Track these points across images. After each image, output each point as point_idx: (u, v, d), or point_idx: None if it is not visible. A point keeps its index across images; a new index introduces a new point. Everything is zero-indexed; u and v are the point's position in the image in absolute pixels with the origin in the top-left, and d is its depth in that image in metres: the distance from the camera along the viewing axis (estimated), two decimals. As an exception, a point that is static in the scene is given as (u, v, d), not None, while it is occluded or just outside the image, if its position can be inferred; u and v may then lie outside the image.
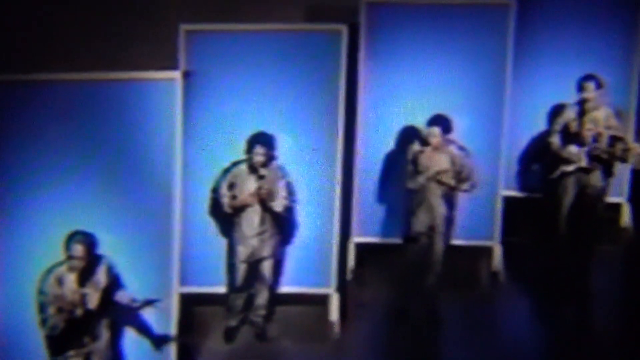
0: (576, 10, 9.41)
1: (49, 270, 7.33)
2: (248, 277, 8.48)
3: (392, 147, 9.11)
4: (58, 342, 7.35)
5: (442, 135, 8.44)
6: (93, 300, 7.33)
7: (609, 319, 8.81)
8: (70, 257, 7.25)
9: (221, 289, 8.66)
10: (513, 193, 9.63)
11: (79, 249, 7.23)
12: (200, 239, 8.58)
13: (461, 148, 8.64)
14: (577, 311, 8.89)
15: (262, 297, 8.57)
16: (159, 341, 7.87)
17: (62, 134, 7.67)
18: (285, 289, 8.77)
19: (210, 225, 8.62)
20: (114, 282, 7.48)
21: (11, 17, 9.44)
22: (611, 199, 9.61)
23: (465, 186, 8.61)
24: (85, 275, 7.33)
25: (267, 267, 8.47)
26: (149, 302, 7.51)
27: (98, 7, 9.55)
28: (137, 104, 7.76)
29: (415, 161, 8.55)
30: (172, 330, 7.91)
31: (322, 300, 8.81)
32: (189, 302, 8.53)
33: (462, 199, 8.97)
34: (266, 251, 8.42)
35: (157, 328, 7.88)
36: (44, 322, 7.29)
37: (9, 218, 7.66)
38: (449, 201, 8.65)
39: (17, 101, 7.62)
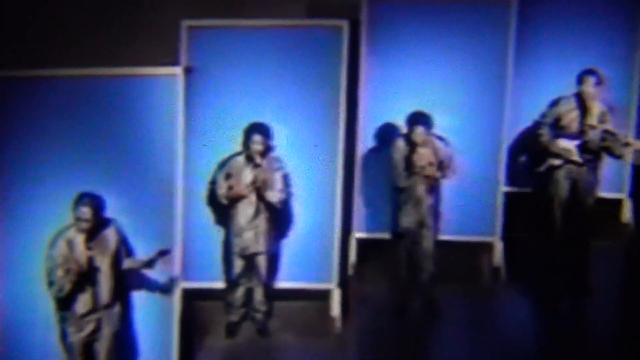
0: (577, 7, 9.39)
1: (58, 234, 7.39)
2: (243, 271, 8.50)
3: (393, 142, 9.10)
4: (67, 302, 7.41)
5: (426, 132, 8.47)
6: (102, 262, 7.38)
7: (610, 314, 8.81)
8: (77, 219, 7.32)
9: (223, 285, 8.67)
10: (514, 189, 9.62)
11: (85, 211, 7.29)
12: (202, 234, 8.59)
13: (440, 138, 8.67)
14: (577, 307, 8.90)
15: (259, 293, 8.59)
16: (166, 288, 7.89)
17: (64, 129, 7.68)
18: (286, 284, 8.78)
19: (212, 220, 8.64)
20: (123, 244, 7.55)
21: (13, 13, 9.43)
22: (612, 194, 9.63)
23: (447, 174, 8.64)
24: (94, 237, 7.39)
25: (261, 262, 8.48)
26: (162, 253, 7.56)
27: (99, 3, 9.54)
28: (139, 100, 7.77)
29: (407, 161, 8.55)
30: (174, 327, 7.93)
31: (323, 296, 8.82)
32: (191, 297, 8.55)
33: (464, 195, 8.99)
34: (261, 246, 8.43)
35: (159, 324, 7.92)
36: (51, 284, 7.35)
37: (11, 214, 7.67)
38: (435, 193, 8.67)
39: (18, 96, 7.62)
